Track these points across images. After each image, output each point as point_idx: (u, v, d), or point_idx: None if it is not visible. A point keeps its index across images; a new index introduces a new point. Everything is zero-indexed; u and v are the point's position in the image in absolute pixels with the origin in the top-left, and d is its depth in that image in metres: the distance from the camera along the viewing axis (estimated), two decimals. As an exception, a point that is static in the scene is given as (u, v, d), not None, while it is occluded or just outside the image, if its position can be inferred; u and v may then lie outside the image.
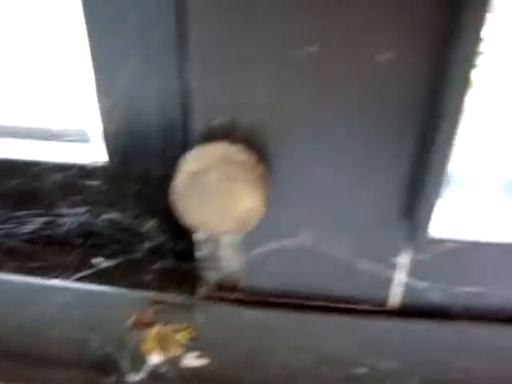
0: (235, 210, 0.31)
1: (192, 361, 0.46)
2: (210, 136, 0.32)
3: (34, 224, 0.48)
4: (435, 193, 0.31)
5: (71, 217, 0.48)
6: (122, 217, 0.46)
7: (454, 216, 0.37)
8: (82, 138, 0.48)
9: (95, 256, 0.47)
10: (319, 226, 0.36)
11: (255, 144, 0.32)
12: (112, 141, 0.42)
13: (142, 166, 0.45)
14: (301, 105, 0.30)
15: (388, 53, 0.28)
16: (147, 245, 0.45)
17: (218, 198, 0.30)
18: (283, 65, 0.29)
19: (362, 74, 0.29)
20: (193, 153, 0.31)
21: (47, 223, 0.48)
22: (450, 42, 0.26)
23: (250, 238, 0.37)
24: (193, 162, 0.30)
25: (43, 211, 0.48)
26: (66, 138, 0.49)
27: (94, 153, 0.45)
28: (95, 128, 0.44)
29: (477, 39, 0.24)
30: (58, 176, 0.47)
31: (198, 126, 0.31)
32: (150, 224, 0.45)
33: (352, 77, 0.29)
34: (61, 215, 0.48)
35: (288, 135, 0.32)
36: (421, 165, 0.31)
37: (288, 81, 0.29)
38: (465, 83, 0.26)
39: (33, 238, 0.47)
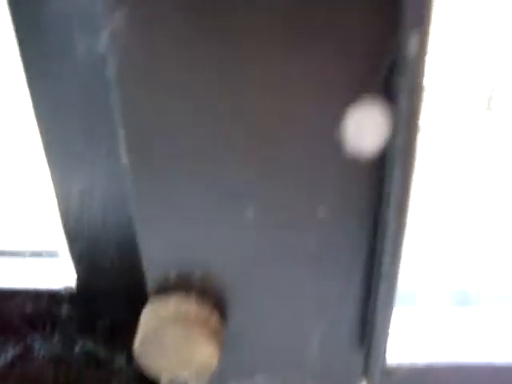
0: (193, 359, 0.32)
1: None
2: (165, 287, 0.33)
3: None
4: (386, 323, 0.32)
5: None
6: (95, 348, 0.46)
7: (408, 337, 0.39)
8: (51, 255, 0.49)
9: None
10: (275, 366, 0.37)
11: (210, 292, 0.34)
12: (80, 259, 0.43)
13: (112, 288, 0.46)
14: (247, 258, 0.32)
15: (323, 206, 0.30)
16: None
17: (176, 350, 0.32)
18: (223, 225, 0.31)
19: (302, 226, 0.31)
20: (149, 308, 0.33)
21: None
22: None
23: (210, 380, 0.38)
24: (150, 317, 0.32)
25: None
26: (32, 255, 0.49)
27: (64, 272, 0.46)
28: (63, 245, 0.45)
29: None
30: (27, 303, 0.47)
31: (151, 279, 0.33)
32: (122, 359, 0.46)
33: (294, 229, 0.31)
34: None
35: (240, 284, 0.33)
36: (370, 296, 0.33)
37: (231, 239, 0.31)
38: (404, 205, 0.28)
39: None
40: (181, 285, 0.34)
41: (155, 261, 0.33)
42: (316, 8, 0.25)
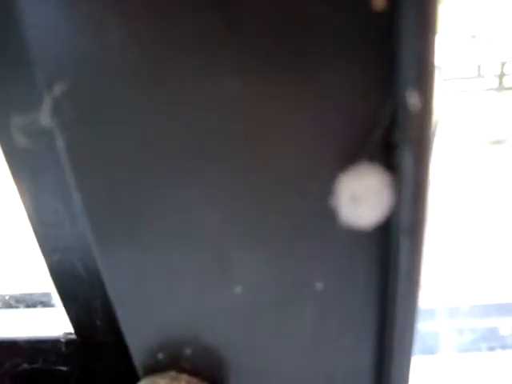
0: None
1: None
2: (154, 369, 0.30)
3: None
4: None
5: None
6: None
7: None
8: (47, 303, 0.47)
9: None
10: None
11: (203, 370, 0.30)
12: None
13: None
14: (239, 334, 0.29)
15: (321, 282, 0.25)
16: None
17: None
18: (211, 303, 0.27)
19: (300, 301, 0.26)
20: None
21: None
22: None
23: None
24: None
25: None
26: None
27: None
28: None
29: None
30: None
31: (138, 363, 0.29)
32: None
33: (290, 304, 0.27)
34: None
35: (234, 359, 0.30)
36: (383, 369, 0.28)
37: (220, 316, 0.27)
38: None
39: None
40: (171, 365, 0.30)
41: (140, 346, 0.29)
42: (308, 68, 0.20)
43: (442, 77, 2.34)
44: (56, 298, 0.44)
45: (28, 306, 0.48)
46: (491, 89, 2.54)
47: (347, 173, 0.22)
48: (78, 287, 0.40)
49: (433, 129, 0.20)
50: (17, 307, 0.48)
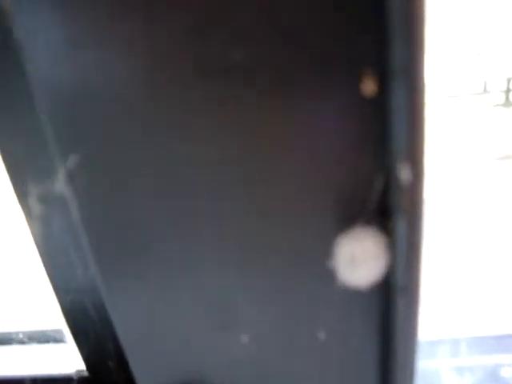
0: None
1: None
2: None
3: None
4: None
5: None
6: None
7: None
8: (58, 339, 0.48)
9: None
10: None
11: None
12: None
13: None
14: (246, 376, 0.29)
15: (323, 332, 0.27)
16: None
17: None
18: (217, 350, 0.28)
19: (301, 348, 0.28)
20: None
21: None
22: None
23: None
24: None
25: None
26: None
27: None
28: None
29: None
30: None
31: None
32: None
33: (293, 351, 0.28)
34: None
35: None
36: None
37: (226, 362, 0.28)
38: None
39: None
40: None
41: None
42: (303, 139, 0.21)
43: (447, 94, 2.34)
44: (68, 336, 0.45)
45: (40, 343, 0.49)
46: (498, 105, 2.54)
47: (345, 236, 0.23)
48: (89, 327, 0.41)
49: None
50: (29, 344, 0.49)
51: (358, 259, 0.22)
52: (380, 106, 0.20)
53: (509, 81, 2.52)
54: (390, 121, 0.20)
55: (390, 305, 0.24)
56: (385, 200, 0.22)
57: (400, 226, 0.21)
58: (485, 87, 2.55)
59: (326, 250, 0.23)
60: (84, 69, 0.20)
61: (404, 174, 0.20)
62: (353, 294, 0.25)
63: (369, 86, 0.20)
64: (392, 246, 0.22)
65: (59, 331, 0.48)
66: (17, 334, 0.50)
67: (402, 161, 0.20)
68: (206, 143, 0.22)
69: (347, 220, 0.22)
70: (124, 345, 0.29)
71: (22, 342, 0.48)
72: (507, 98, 2.57)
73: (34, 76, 0.21)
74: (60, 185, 0.23)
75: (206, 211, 0.23)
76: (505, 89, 2.55)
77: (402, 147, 0.20)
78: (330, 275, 0.24)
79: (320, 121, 0.21)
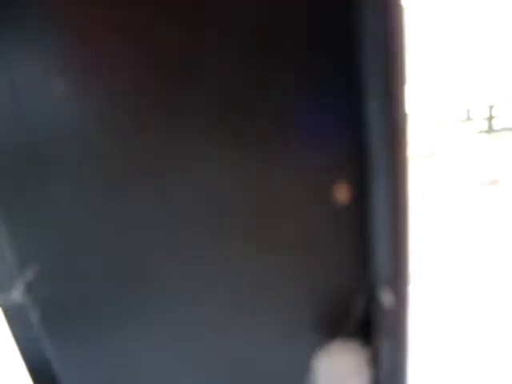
0: None
1: None
2: None
3: None
4: None
5: None
6: None
7: None
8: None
9: None
10: None
11: None
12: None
13: None
14: None
15: None
16: None
17: None
18: None
19: None
20: None
21: None
22: None
23: None
24: None
25: None
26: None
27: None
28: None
29: None
30: None
31: None
32: None
33: None
34: None
35: None
36: None
37: None
38: None
39: None
40: None
41: None
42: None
43: (432, 121, 2.37)
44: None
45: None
46: (481, 131, 2.57)
47: (324, 349, 0.22)
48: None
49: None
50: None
51: (337, 377, 0.21)
52: (361, 220, 0.18)
53: (491, 108, 2.55)
54: (372, 241, 0.18)
55: None
56: (368, 317, 0.20)
57: (384, 344, 0.20)
58: (468, 115, 2.58)
59: (303, 366, 0.21)
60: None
61: (386, 299, 0.18)
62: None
63: (344, 194, 0.19)
64: (375, 363, 0.20)
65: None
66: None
67: (383, 285, 0.18)
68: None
69: (328, 335, 0.21)
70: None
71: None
72: (490, 125, 2.60)
73: None
74: (18, 296, 0.21)
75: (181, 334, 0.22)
76: (487, 116, 2.58)
77: (383, 271, 0.18)
78: None
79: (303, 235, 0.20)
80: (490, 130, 2.67)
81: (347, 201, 0.18)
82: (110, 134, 0.19)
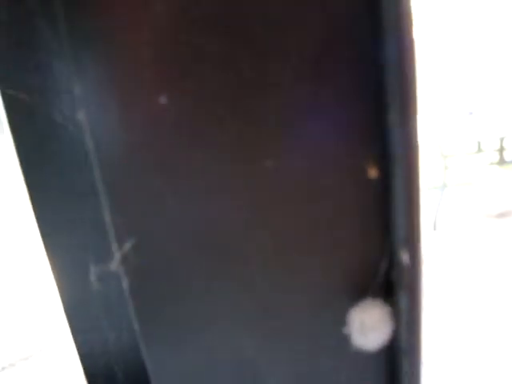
0: None
1: None
2: None
3: None
4: None
5: None
6: None
7: None
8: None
9: None
10: None
11: None
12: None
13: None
14: None
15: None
16: None
17: None
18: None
19: None
20: None
21: None
22: None
23: None
24: None
25: None
26: None
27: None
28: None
29: None
30: None
31: None
32: None
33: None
34: None
35: None
36: None
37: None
38: None
39: None
40: None
41: None
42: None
43: (443, 153, 2.42)
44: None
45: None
46: (492, 163, 2.61)
47: (356, 307, 0.28)
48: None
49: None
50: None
51: (368, 327, 0.27)
52: (383, 194, 0.25)
53: (502, 140, 2.60)
54: (393, 212, 0.25)
55: (396, 365, 0.28)
56: (389, 277, 0.26)
57: (402, 299, 0.26)
58: (479, 147, 2.63)
59: (340, 319, 0.28)
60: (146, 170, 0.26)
61: (404, 258, 0.25)
62: (363, 358, 0.29)
63: (372, 171, 0.25)
64: (396, 316, 0.27)
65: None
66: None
67: (402, 248, 0.25)
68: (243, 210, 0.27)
69: (358, 294, 0.27)
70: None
71: None
72: (501, 157, 2.65)
73: (100, 180, 0.26)
74: (115, 265, 0.28)
75: (238, 288, 0.28)
76: (498, 148, 2.63)
77: (401, 237, 0.25)
78: (344, 341, 0.28)
79: (335, 209, 0.26)
80: (502, 161, 2.71)
81: (373, 177, 0.25)
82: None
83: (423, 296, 0.26)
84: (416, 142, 0.23)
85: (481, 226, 2.34)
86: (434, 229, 2.40)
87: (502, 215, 2.37)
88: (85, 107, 0.24)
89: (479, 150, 2.62)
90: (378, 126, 0.24)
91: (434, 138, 2.46)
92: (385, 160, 0.24)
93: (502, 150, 2.60)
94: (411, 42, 0.23)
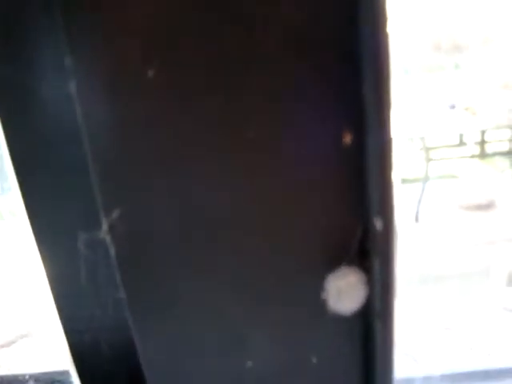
0: None
1: None
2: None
3: None
4: None
5: None
6: None
7: None
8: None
9: None
10: None
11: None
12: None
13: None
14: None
15: (315, 357, 0.32)
16: None
17: None
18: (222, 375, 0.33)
19: (297, 371, 0.33)
20: None
21: None
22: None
23: None
24: None
25: None
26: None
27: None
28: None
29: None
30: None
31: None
32: None
33: (290, 374, 0.33)
34: None
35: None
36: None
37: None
38: None
39: None
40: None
41: None
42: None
43: (426, 146, 2.45)
44: (75, 377, 0.49)
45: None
46: (474, 156, 2.65)
47: (333, 274, 0.30)
48: (99, 367, 0.46)
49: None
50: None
51: (343, 291, 0.29)
52: (358, 163, 0.26)
53: (483, 133, 2.65)
54: (367, 180, 0.26)
55: (370, 330, 0.30)
56: (364, 245, 0.28)
57: (376, 265, 0.28)
58: (461, 139, 2.67)
59: (318, 286, 0.29)
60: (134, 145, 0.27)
61: (377, 225, 0.27)
62: (339, 323, 0.31)
63: (347, 139, 0.27)
64: (370, 281, 0.28)
65: (65, 372, 0.51)
66: (23, 376, 0.53)
67: (375, 215, 0.27)
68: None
69: (335, 261, 0.29)
70: (148, 374, 0.34)
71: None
72: (482, 150, 2.69)
73: (90, 150, 0.27)
74: (103, 233, 0.29)
75: (224, 262, 0.29)
76: (480, 140, 2.67)
77: (375, 204, 0.27)
78: (322, 306, 0.30)
79: (310, 178, 0.28)
80: (483, 154, 2.76)
81: (347, 146, 0.26)
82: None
83: (395, 262, 0.28)
84: (389, 111, 0.24)
85: (462, 217, 2.38)
86: (416, 221, 2.43)
87: (483, 207, 2.41)
88: (76, 78, 0.25)
89: (461, 143, 2.65)
90: (355, 97, 0.25)
91: (417, 130, 2.49)
92: (360, 128, 0.25)
93: (483, 142, 2.64)
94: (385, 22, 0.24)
